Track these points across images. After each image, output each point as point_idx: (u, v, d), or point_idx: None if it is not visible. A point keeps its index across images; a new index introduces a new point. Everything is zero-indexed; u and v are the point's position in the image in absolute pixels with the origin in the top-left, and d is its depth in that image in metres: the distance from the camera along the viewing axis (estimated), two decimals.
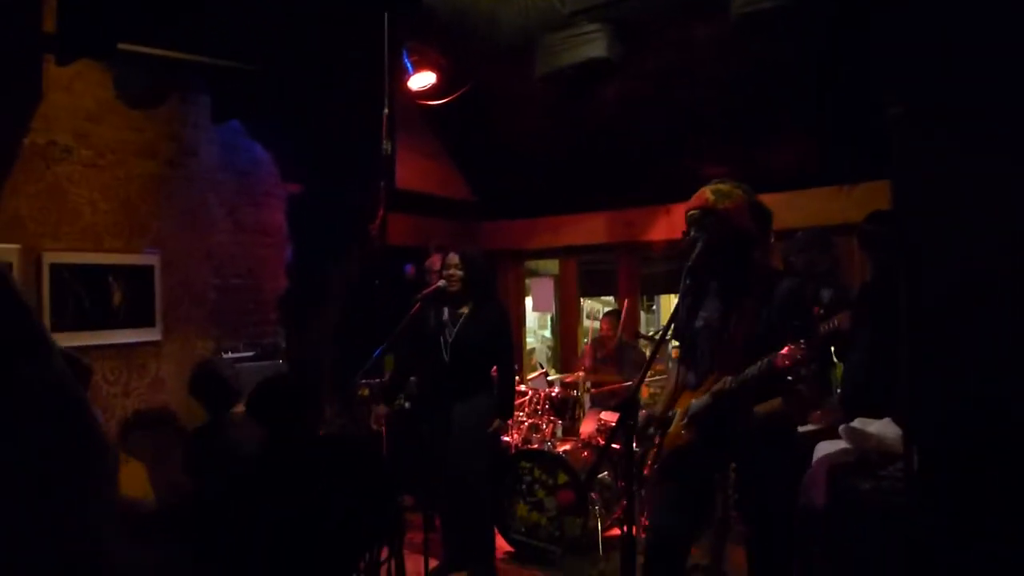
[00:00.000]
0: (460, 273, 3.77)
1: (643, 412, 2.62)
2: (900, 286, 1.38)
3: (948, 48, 1.27)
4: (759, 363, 2.25)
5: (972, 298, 1.31)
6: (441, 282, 3.89)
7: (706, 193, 2.41)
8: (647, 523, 4.11)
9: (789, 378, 2.24)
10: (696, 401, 2.42)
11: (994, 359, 1.32)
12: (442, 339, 3.77)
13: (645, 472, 2.52)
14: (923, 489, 1.46)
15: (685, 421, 2.42)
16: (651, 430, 2.53)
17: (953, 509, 1.42)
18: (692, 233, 2.36)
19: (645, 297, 9.02)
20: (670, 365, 5.86)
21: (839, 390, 3.36)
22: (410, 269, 5.61)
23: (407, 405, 4.53)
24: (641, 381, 2.15)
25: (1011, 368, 1.30)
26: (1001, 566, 1.39)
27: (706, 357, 2.45)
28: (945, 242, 1.32)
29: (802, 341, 2.15)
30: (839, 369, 3.55)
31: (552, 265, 7.39)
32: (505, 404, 3.91)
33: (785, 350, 2.18)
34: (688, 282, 2.38)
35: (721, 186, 2.42)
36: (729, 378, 2.30)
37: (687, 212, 2.44)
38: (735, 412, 2.34)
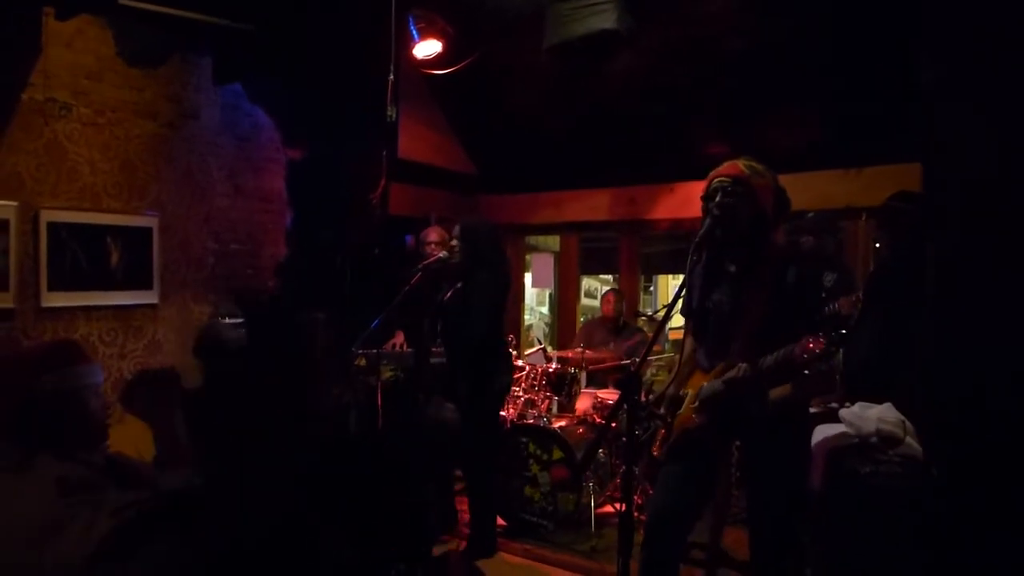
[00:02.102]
0: (460, 244, 3.75)
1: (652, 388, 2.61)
2: (928, 264, 1.34)
3: (989, 16, 1.22)
4: (776, 353, 2.22)
5: (1005, 275, 1.27)
6: (443, 253, 3.87)
7: (740, 165, 2.37)
8: (640, 501, 4.15)
9: (806, 371, 2.22)
10: (707, 385, 2.39)
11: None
12: (436, 311, 3.78)
13: (654, 453, 2.50)
14: (939, 479, 1.43)
15: (696, 404, 2.40)
16: (662, 409, 2.50)
17: (968, 502, 1.40)
18: (716, 198, 2.32)
19: (644, 277, 9.01)
20: (667, 346, 5.87)
21: (839, 373, 3.35)
22: (410, 239, 5.58)
23: (401, 376, 4.52)
24: (643, 360, 2.13)
25: None
26: (1013, 555, 1.37)
27: (718, 340, 2.42)
28: (980, 218, 1.28)
29: (821, 334, 2.12)
30: (839, 353, 3.54)
31: (552, 241, 7.35)
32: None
33: (805, 342, 2.14)
34: (695, 258, 2.34)
35: (755, 164, 2.39)
36: (744, 365, 2.27)
37: (715, 178, 2.40)
38: (748, 399, 2.31)
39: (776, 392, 2.32)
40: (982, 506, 1.39)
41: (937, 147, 1.31)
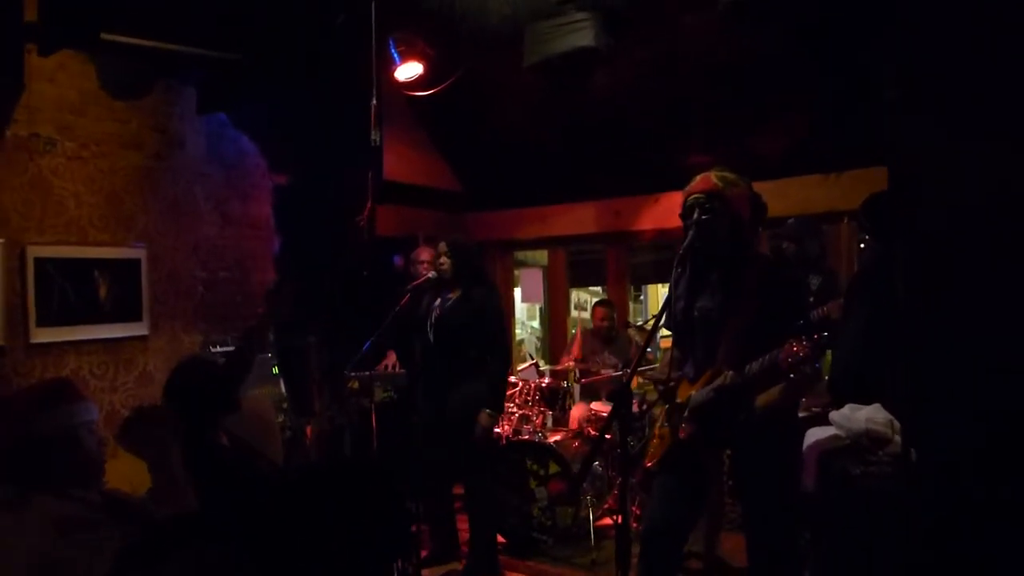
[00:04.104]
0: (449, 260, 3.77)
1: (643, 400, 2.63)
2: (897, 270, 1.39)
3: (945, 32, 1.27)
4: (762, 359, 2.24)
5: (968, 279, 1.32)
6: (432, 273, 3.89)
7: (712, 178, 2.40)
8: (638, 512, 4.16)
9: (791, 375, 2.24)
10: (696, 394, 2.42)
11: (992, 343, 1.33)
12: (428, 322, 3.78)
13: (648, 464, 2.52)
14: (921, 477, 1.47)
15: (686, 414, 2.42)
16: (654, 417, 2.52)
17: (953, 499, 1.43)
18: (694, 216, 2.35)
19: (632, 287, 9.06)
20: (659, 355, 5.90)
21: (827, 376, 3.39)
22: (399, 260, 5.59)
23: (395, 396, 4.53)
24: (634, 371, 2.16)
25: (1008, 352, 1.31)
26: (1000, 553, 1.40)
27: (705, 349, 2.45)
28: (941, 224, 1.33)
29: (804, 338, 2.15)
30: (828, 356, 3.57)
31: (540, 256, 7.38)
32: (494, 396, 3.73)
33: (789, 346, 2.17)
34: (679, 270, 2.38)
35: (727, 173, 2.42)
36: (730, 372, 2.29)
37: (690, 195, 2.43)
38: (736, 406, 2.34)
39: (763, 398, 2.35)
40: (964, 502, 1.43)
41: (901, 157, 1.36)
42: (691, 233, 2.34)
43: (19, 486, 1.53)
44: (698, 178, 2.44)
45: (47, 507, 1.51)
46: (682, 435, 2.40)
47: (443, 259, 3.79)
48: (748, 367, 2.26)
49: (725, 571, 3.63)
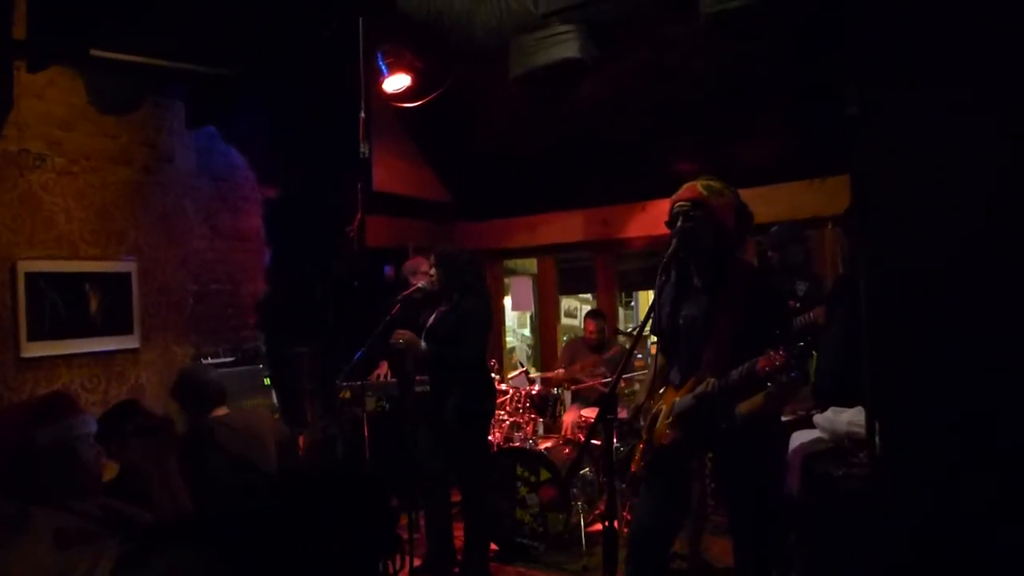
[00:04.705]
0: (438, 272, 3.80)
1: (631, 406, 2.66)
2: (860, 278, 1.44)
3: (910, 48, 1.33)
4: (741, 367, 2.29)
5: (929, 289, 1.37)
6: (423, 283, 3.93)
7: (697, 187, 2.44)
8: (628, 517, 4.20)
9: (768, 384, 2.28)
10: (679, 401, 2.46)
11: (954, 348, 1.39)
12: (421, 334, 3.81)
13: (633, 470, 2.57)
14: (888, 474, 1.52)
15: (670, 420, 2.46)
16: (640, 423, 2.56)
17: (921, 495, 1.49)
18: (679, 224, 2.40)
19: (623, 293, 9.12)
20: (649, 361, 5.94)
21: (812, 380, 3.44)
22: (389, 270, 5.62)
23: (387, 406, 4.55)
24: (619, 377, 2.20)
25: (971, 356, 1.37)
26: (976, 551, 1.45)
27: (690, 356, 2.49)
28: (902, 236, 1.39)
29: (782, 349, 2.18)
30: (814, 361, 3.63)
31: (530, 264, 7.43)
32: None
33: (766, 357, 2.21)
34: (664, 277, 2.42)
35: (712, 182, 2.46)
36: (712, 380, 2.33)
37: (675, 203, 2.47)
38: (717, 412, 2.38)
39: (745, 406, 2.40)
40: (942, 502, 1.48)
41: (864, 169, 1.43)
42: (675, 241, 2.39)
43: (17, 499, 1.56)
44: (684, 187, 2.48)
45: (46, 520, 1.54)
46: (664, 441, 2.45)
47: (433, 271, 3.83)
48: (729, 375, 2.31)
49: (710, 573, 3.68)
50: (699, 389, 2.36)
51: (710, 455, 2.50)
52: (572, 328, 8.79)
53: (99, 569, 1.45)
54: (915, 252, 1.37)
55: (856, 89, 1.36)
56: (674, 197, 2.49)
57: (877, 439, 2.57)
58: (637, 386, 4.61)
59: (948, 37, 1.34)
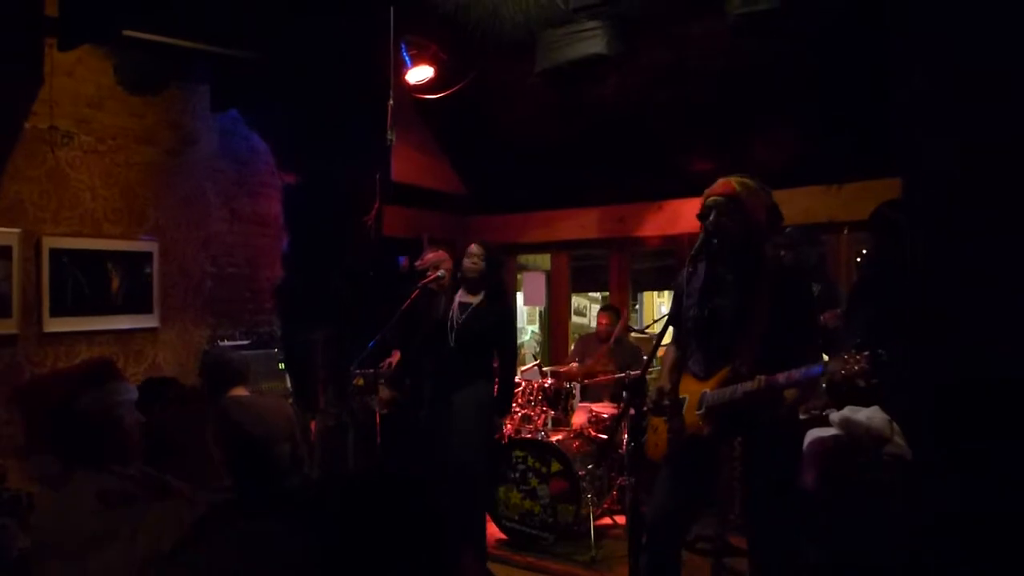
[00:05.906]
0: (481, 265, 3.81)
1: (653, 388, 2.66)
2: (904, 273, 1.46)
3: (960, 38, 1.35)
4: (803, 369, 2.26)
5: (976, 285, 1.39)
6: (440, 272, 3.94)
7: (732, 183, 2.46)
8: (643, 510, 4.21)
9: (842, 388, 2.27)
10: (712, 393, 2.44)
11: (996, 346, 1.40)
12: (449, 325, 3.81)
13: (649, 455, 2.58)
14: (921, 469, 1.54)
15: (702, 411, 2.45)
16: (665, 402, 2.55)
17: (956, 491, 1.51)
18: (711, 217, 2.41)
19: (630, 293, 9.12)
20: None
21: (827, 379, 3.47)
22: (403, 261, 5.65)
23: (400, 398, 4.58)
24: (648, 365, 2.22)
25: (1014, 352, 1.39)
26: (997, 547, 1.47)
27: (718, 347, 2.50)
28: (951, 231, 1.41)
29: (856, 353, 2.13)
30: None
31: (543, 260, 7.45)
32: (505, 400, 3.95)
33: (840, 360, 2.16)
34: (690, 269, 2.44)
35: (747, 180, 2.48)
36: (761, 378, 2.31)
37: (708, 196, 2.49)
38: (761, 406, 2.39)
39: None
40: (963, 494, 1.50)
41: (912, 158, 1.44)
42: (705, 234, 2.40)
43: (62, 460, 1.59)
44: (719, 181, 2.50)
45: (89, 481, 1.58)
46: (698, 432, 2.44)
47: (476, 261, 3.82)
48: (776, 378, 2.28)
49: (733, 552, 3.67)
50: (746, 386, 2.34)
51: (739, 439, 2.50)
52: (581, 327, 8.81)
53: (143, 529, 1.48)
54: (964, 246, 1.39)
55: (904, 80, 1.38)
56: (708, 191, 2.50)
57: (899, 439, 2.60)
58: (657, 376, 4.63)
59: (995, 36, 1.35)
